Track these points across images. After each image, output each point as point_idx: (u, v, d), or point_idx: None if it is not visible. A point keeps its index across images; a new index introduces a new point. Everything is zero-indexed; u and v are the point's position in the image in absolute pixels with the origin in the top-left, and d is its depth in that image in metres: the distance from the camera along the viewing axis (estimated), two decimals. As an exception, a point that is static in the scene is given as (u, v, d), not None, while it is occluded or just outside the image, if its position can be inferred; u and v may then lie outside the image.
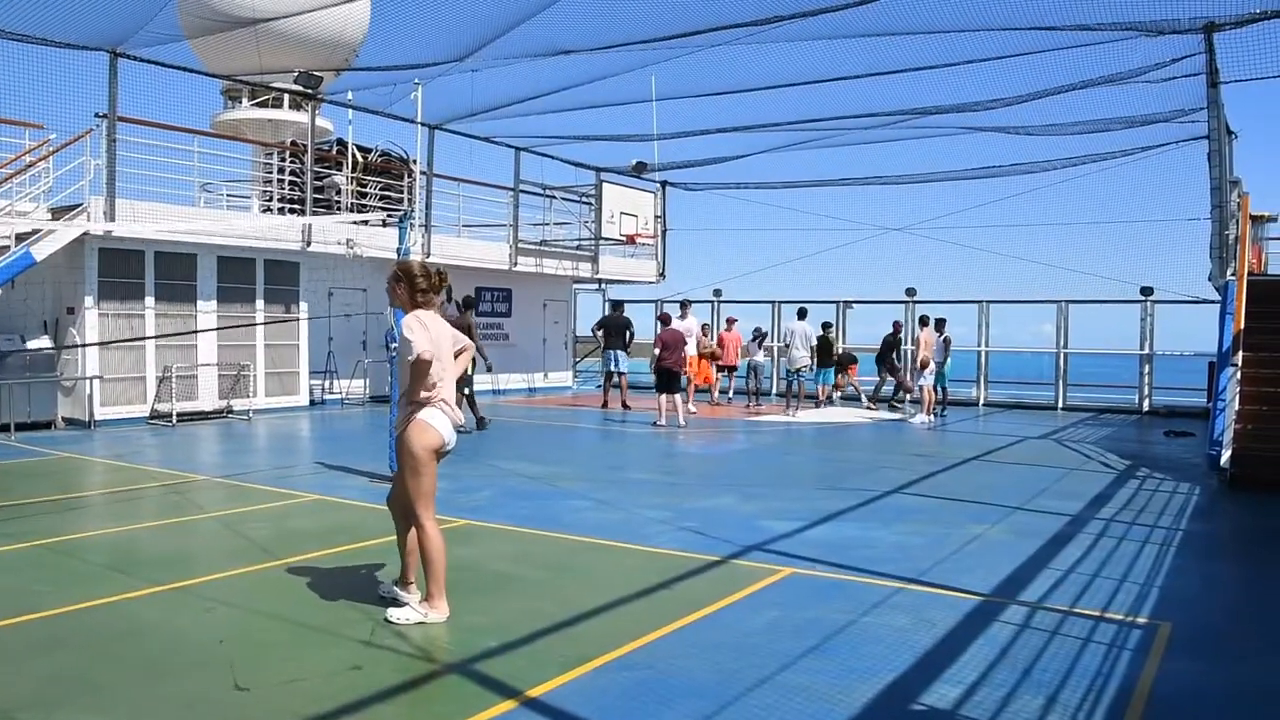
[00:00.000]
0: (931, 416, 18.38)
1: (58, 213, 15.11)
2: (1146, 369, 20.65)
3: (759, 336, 22.31)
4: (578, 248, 24.78)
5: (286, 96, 22.08)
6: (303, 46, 18.46)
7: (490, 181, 23.37)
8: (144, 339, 15.86)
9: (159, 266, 16.10)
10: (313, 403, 18.87)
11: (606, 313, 20.96)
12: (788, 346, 19.84)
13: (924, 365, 18.47)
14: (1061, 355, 21.33)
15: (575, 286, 27.18)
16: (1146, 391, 20.71)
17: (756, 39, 13.99)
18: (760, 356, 22.22)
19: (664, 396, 16.84)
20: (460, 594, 6.15)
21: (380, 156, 20.93)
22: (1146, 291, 20.33)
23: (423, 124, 19.04)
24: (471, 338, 15.82)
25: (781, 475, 11.83)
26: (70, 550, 7.37)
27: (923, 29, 13.77)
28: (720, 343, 22.34)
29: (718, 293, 25.86)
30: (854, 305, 24.04)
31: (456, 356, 5.87)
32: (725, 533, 8.09)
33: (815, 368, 20.17)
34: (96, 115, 15.22)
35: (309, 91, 17.87)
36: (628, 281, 27.18)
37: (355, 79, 18.64)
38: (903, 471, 11.81)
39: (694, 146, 21.87)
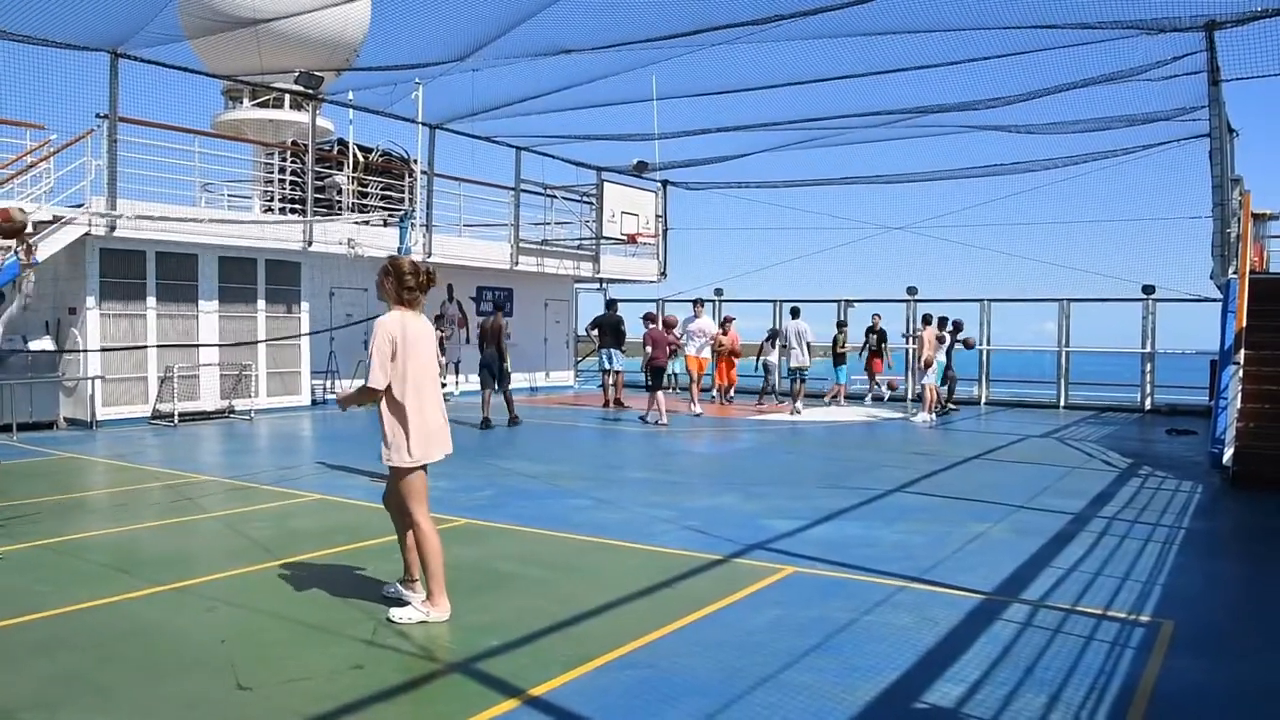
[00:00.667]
0: (933, 415, 18.37)
1: (59, 213, 15.10)
2: (1148, 367, 20.64)
3: (772, 336, 22.30)
4: (579, 247, 24.78)
5: (287, 96, 22.09)
6: (303, 46, 18.46)
7: (491, 181, 23.41)
8: (147, 345, 15.88)
9: (160, 267, 16.11)
10: (314, 402, 18.87)
11: (603, 312, 20.92)
12: (785, 346, 19.89)
13: (928, 364, 18.46)
14: (1063, 353, 21.33)
15: (576, 286, 27.19)
16: (1148, 390, 20.71)
17: (757, 38, 13.97)
18: (773, 356, 22.21)
19: (661, 394, 17.26)
20: (462, 593, 6.15)
21: (381, 156, 20.93)
22: (1148, 290, 20.32)
23: (423, 124, 19.03)
24: (499, 343, 16.61)
25: (783, 474, 11.82)
26: (72, 550, 7.37)
27: (923, 28, 13.76)
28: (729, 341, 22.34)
29: (719, 292, 25.86)
30: (855, 304, 24.02)
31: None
32: (727, 531, 8.08)
33: (794, 366, 19.95)
34: (97, 116, 15.24)
35: (310, 91, 17.87)
36: (629, 281, 27.18)
37: (356, 79, 18.64)
38: (904, 470, 11.81)
39: (695, 146, 21.87)
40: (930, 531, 8.22)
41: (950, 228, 22.84)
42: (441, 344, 20.75)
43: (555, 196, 24.57)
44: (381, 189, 20.56)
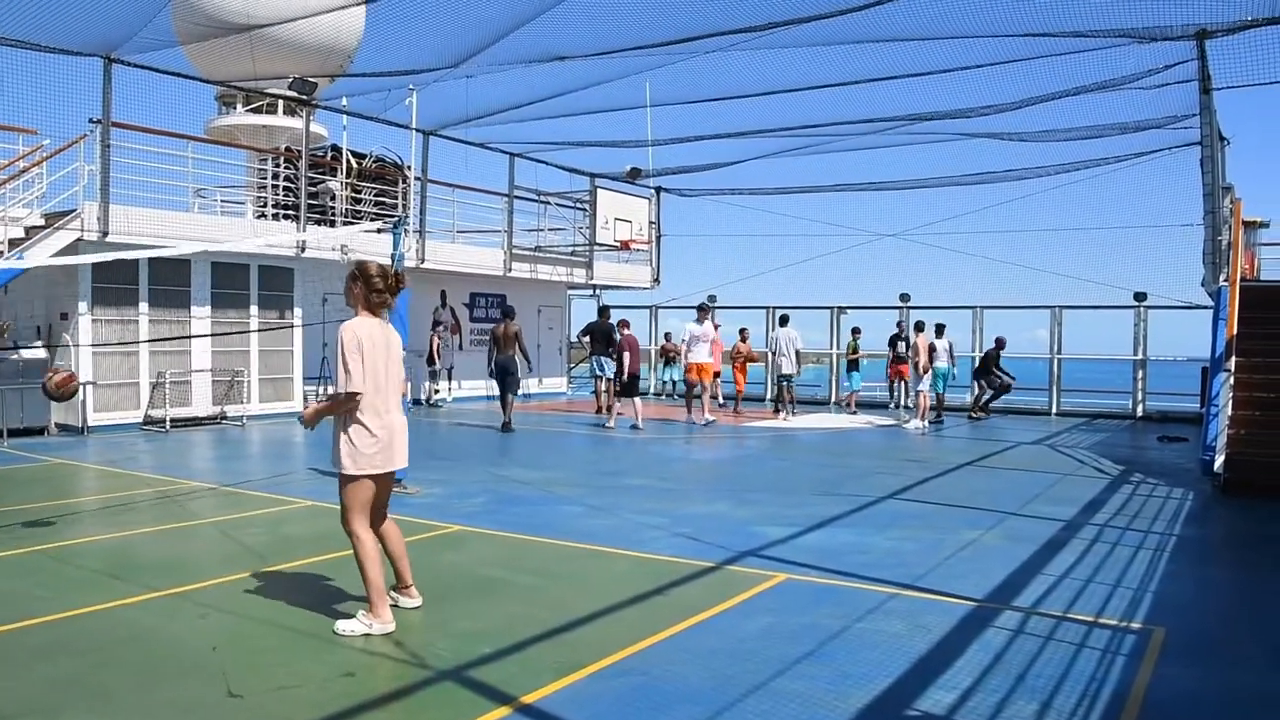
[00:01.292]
0: (925, 422, 18.40)
1: (51, 218, 15.08)
2: (1140, 374, 20.71)
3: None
4: (572, 253, 24.79)
5: (281, 102, 22.06)
6: (297, 52, 18.46)
7: (485, 187, 23.42)
8: (138, 342, 15.84)
9: (153, 272, 16.08)
10: (307, 409, 18.80)
11: (594, 319, 20.91)
12: (773, 354, 19.85)
13: (923, 371, 18.49)
14: (1055, 360, 21.38)
15: (570, 292, 27.21)
16: (1140, 397, 20.77)
17: (751, 45, 14.01)
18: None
19: (638, 400, 17.83)
20: (453, 600, 6.17)
21: (375, 162, 20.94)
22: (1140, 297, 20.40)
23: (417, 130, 19.04)
24: (521, 344, 17.23)
25: (776, 481, 11.83)
26: (65, 556, 7.35)
27: (917, 35, 13.80)
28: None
29: (712, 298, 25.87)
30: (848, 311, 24.08)
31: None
32: (719, 538, 8.09)
33: (783, 374, 19.87)
34: (91, 121, 15.21)
35: (303, 97, 17.87)
36: (622, 287, 27.21)
37: (350, 85, 18.65)
38: (897, 477, 11.82)
39: (688, 152, 21.91)
40: (922, 538, 8.23)
41: (943, 235, 22.92)
42: (435, 350, 20.75)
43: (549, 203, 24.59)
44: (375, 195, 20.56)
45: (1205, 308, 16.31)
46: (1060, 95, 16.10)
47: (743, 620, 5.81)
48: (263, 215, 19.30)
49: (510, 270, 22.98)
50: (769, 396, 22.17)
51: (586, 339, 19.89)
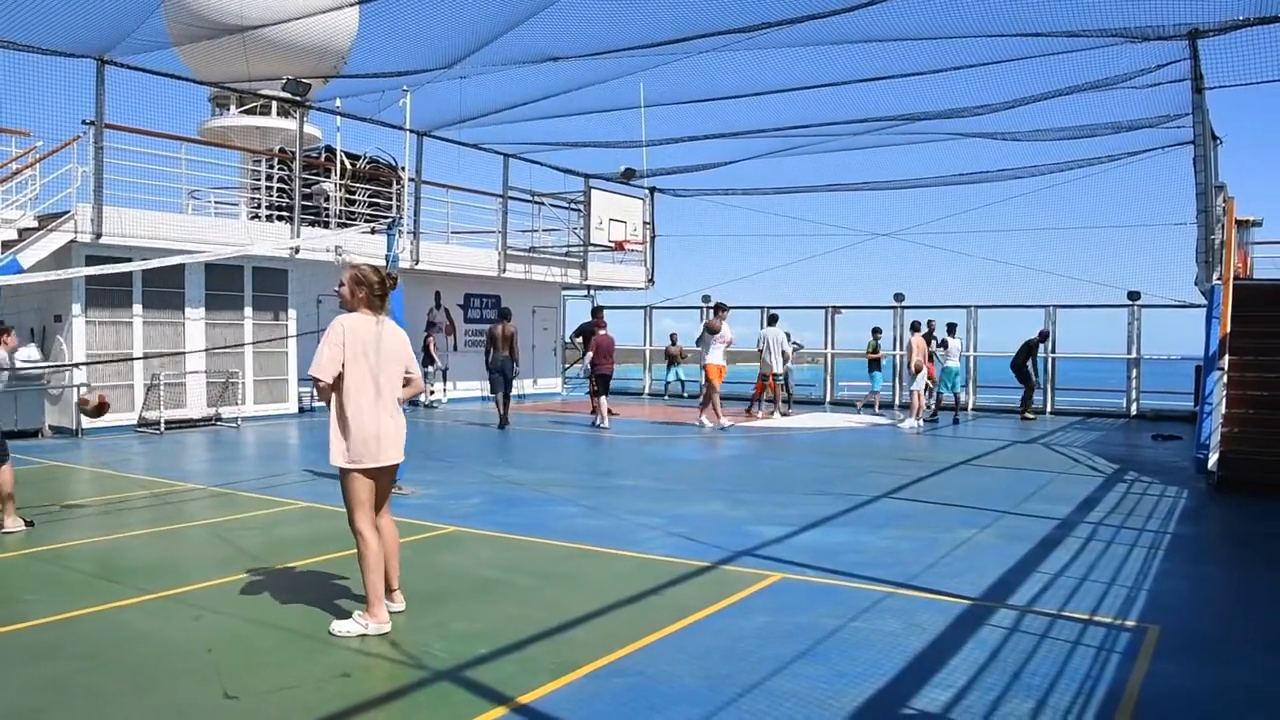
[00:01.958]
0: (920, 421, 18.42)
1: (45, 220, 15.05)
2: (1134, 373, 20.75)
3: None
4: (566, 254, 24.79)
5: (275, 104, 22.05)
6: (291, 54, 18.45)
7: (479, 188, 23.42)
8: (133, 357, 15.82)
9: (146, 274, 16.04)
10: (301, 410, 18.82)
11: (588, 320, 20.93)
12: (761, 353, 19.71)
13: (917, 370, 18.50)
14: (1049, 360, 21.40)
15: (564, 293, 27.21)
16: (1134, 395, 20.81)
17: (745, 45, 14.02)
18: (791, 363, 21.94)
19: (604, 399, 18.05)
20: (449, 601, 6.17)
21: (369, 163, 20.94)
22: (1133, 296, 20.44)
23: (411, 131, 19.03)
24: (513, 346, 17.45)
25: (771, 481, 11.84)
26: (58, 559, 7.34)
27: (910, 35, 13.83)
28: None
29: (706, 298, 25.89)
30: (842, 310, 24.10)
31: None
32: (715, 538, 8.10)
33: (780, 371, 19.71)
34: (84, 122, 15.19)
35: (297, 99, 17.85)
36: (617, 288, 27.21)
37: (344, 86, 18.64)
38: (892, 476, 11.84)
39: (682, 153, 21.95)
40: (918, 537, 8.25)
41: (937, 234, 22.95)
42: (429, 348, 20.72)
43: (543, 204, 24.59)
44: (369, 196, 20.55)
45: (1199, 306, 16.37)
46: (1053, 95, 16.13)
47: (739, 620, 5.81)
48: (256, 216, 19.28)
49: (505, 271, 22.97)
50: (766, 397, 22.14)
51: (580, 340, 19.92)
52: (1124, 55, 14.35)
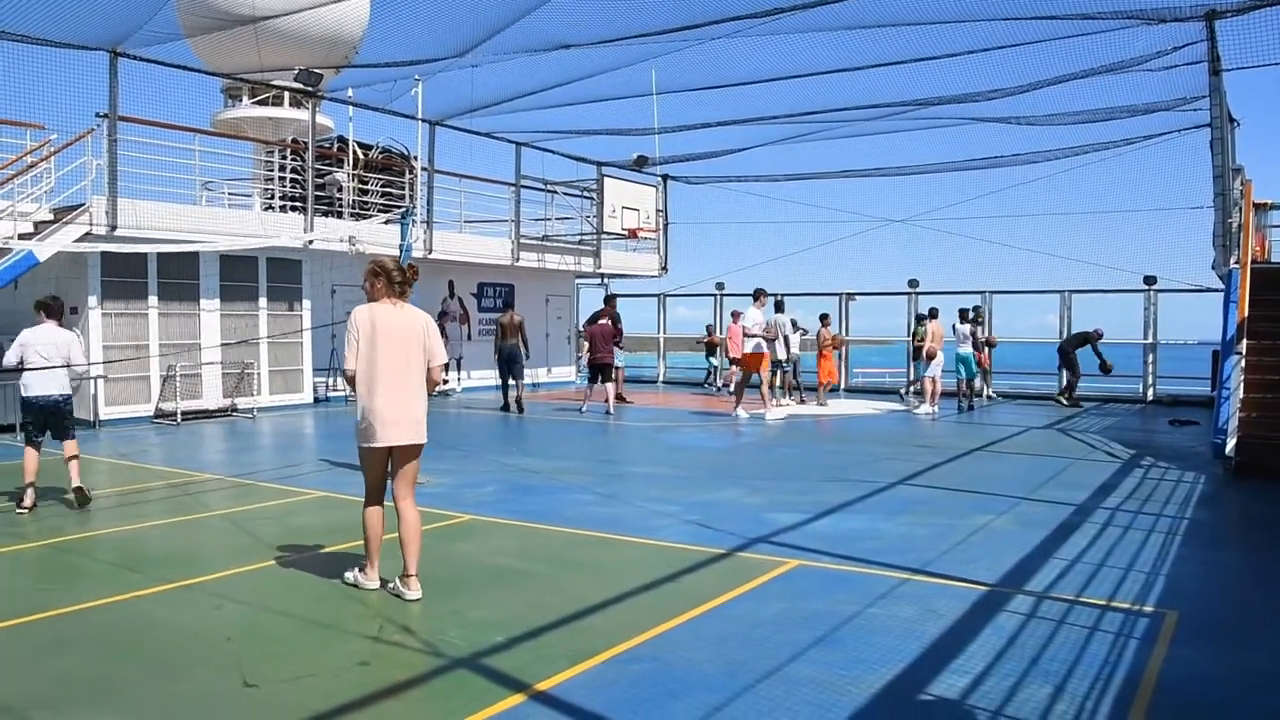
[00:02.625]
0: (935, 407, 18.36)
1: (60, 213, 15.11)
2: (1150, 358, 20.63)
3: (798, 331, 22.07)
4: (580, 242, 24.77)
5: (287, 94, 22.08)
6: (302, 44, 18.43)
7: (492, 177, 23.40)
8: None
9: (162, 266, 16.11)
10: (316, 400, 18.89)
11: (600, 308, 20.89)
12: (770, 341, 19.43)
13: (930, 356, 18.43)
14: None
15: (578, 281, 27.19)
16: (1150, 381, 20.70)
17: (757, 31, 13.96)
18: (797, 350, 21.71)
19: (597, 385, 18.34)
20: (465, 589, 6.19)
21: (381, 153, 20.93)
22: (1150, 280, 20.31)
23: (423, 120, 19.03)
24: (523, 334, 18.19)
25: (786, 468, 11.83)
26: (78, 549, 7.39)
27: (924, 19, 13.74)
28: (729, 336, 22.24)
29: (720, 286, 25.85)
30: (856, 297, 24.02)
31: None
32: (730, 525, 8.10)
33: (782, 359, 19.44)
34: (97, 115, 15.23)
35: (309, 89, 17.87)
36: (630, 276, 27.18)
37: (355, 76, 18.63)
38: (907, 463, 11.81)
39: (695, 140, 21.86)
40: (934, 524, 8.23)
41: (951, 220, 22.83)
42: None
43: (556, 192, 24.56)
44: (382, 186, 20.56)
45: (1216, 291, 16.26)
46: (1068, 78, 16.02)
47: (755, 606, 5.81)
48: (270, 207, 19.32)
49: (518, 260, 22.97)
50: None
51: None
52: (1140, 37, 14.23)
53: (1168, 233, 23.71)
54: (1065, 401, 20.14)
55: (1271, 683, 4.75)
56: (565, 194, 24.68)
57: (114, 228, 15.03)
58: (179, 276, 16.40)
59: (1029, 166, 21.33)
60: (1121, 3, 12.92)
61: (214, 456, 12.77)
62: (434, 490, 9.71)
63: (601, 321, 18.85)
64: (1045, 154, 20.71)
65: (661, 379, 27.04)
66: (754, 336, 17.34)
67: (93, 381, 15.17)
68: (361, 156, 20.18)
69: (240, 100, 23.50)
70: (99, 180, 15.19)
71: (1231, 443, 10.95)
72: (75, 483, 8.96)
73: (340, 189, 19.68)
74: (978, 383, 19.67)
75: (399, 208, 17.45)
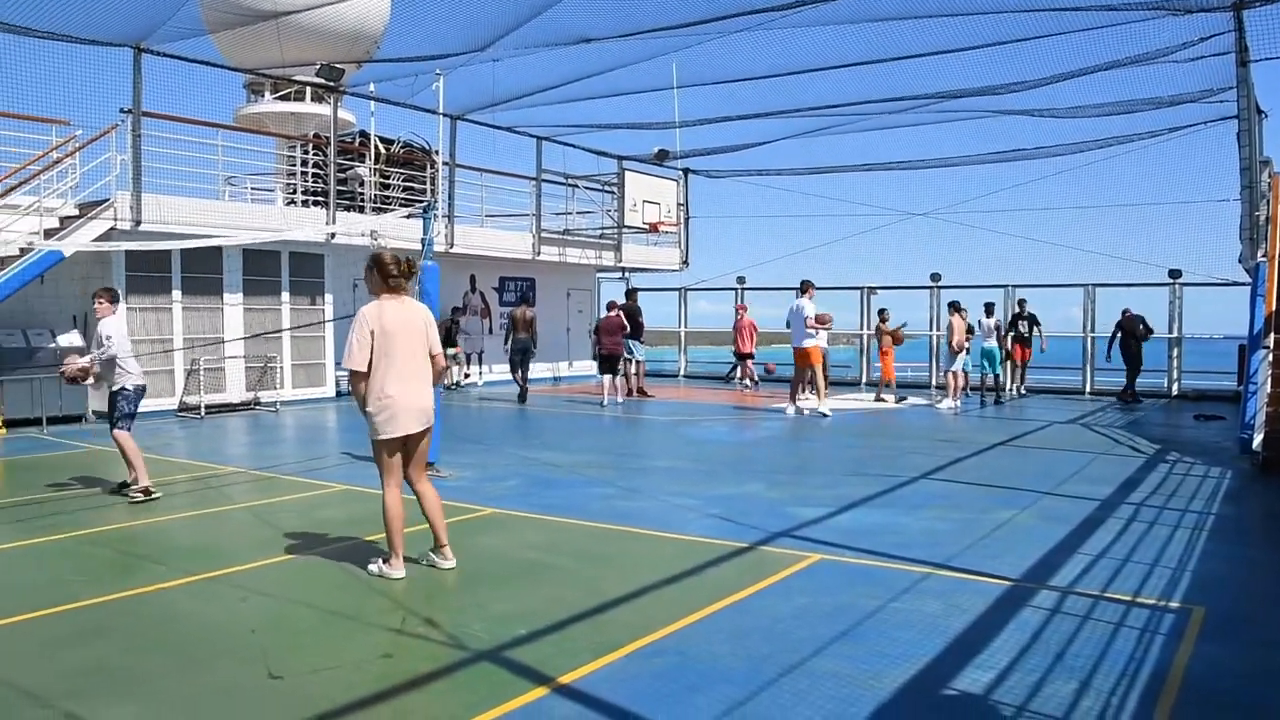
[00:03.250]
0: (958, 402, 18.27)
1: (85, 208, 15.24)
2: (1175, 352, 20.45)
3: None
4: (600, 236, 24.77)
5: (309, 89, 22.16)
6: (324, 39, 18.51)
7: (513, 171, 23.43)
8: (172, 350, 15.98)
9: (185, 261, 16.22)
10: (339, 394, 18.96)
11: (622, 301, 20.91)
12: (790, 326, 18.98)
13: (956, 351, 18.28)
14: (1088, 339, 21.14)
15: (599, 275, 27.20)
16: (1175, 375, 20.52)
17: (778, 24, 13.91)
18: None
19: (607, 378, 18.70)
20: (488, 582, 6.20)
21: (402, 148, 21.00)
22: (1175, 274, 20.12)
23: (444, 114, 19.07)
24: (533, 329, 18.87)
25: (807, 462, 11.80)
26: (103, 542, 7.45)
27: (947, 12, 13.66)
28: (737, 329, 22.22)
29: (741, 279, 25.79)
30: (877, 291, 23.91)
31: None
32: (753, 519, 8.08)
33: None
34: (121, 111, 15.34)
35: (331, 84, 17.93)
36: (651, 269, 27.17)
37: (377, 70, 18.69)
38: (929, 457, 11.76)
39: (716, 133, 21.82)
40: (956, 518, 8.19)
41: (973, 213, 22.69)
42: (451, 331, 20.75)
43: (577, 186, 24.58)
44: (403, 180, 20.62)
45: (1243, 284, 16.09)
46: (1092, 70, 15.89)
47: (778, 600, 5.80)
48: (292, 202, 19.40)
49: (539, 254, 23.00)
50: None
51: None
52: (1166, 28, 14.08)
53: (1193, 226, 23.53)
54: (1128, 400, 19.63)
55: (1300, 679, 4.70)
56: (586, 188, 24.69)
57: (138, 223, 15.14)
58: (202, 271, 16.50)
59: (1052, 159, 21.19)
60: (1149, -6, 12.81)
61: (237, 450, 12.85)
62: (455, 484, 9.74)
63: (611, 314, 19.00)
64: (1068, 146, 20.56)
65: (683, 373, 27.01)
66: (816, 328, 16.71)
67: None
68: (383, 151, 20.25)
69: (262, 95, 23.62)
70: (123, 175, 15.31)
71: (1258, 438, 10.85)
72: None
73: (362, 183, 19.75)
74: (1003, 377, 19.41)
75: (420, 202, 17.51)
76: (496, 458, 11.60)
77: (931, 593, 5.97)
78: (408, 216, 17.45)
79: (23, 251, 14.30)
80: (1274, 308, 11.92)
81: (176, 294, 16.25)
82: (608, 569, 6.63)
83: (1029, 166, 21.80)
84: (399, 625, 5.35)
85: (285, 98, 23.29)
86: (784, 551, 6.99)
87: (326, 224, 17.77)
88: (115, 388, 9.16)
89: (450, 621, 5.41)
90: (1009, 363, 20.51)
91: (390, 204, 19.92)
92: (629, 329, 19.30)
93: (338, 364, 18.92)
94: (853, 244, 24.84)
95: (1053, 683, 4.53)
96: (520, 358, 19.08)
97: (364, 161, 19.89)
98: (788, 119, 20.19)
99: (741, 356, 22.53)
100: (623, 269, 26.32)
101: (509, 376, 22.23)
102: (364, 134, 20.50)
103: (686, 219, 26.68)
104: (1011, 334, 20.30)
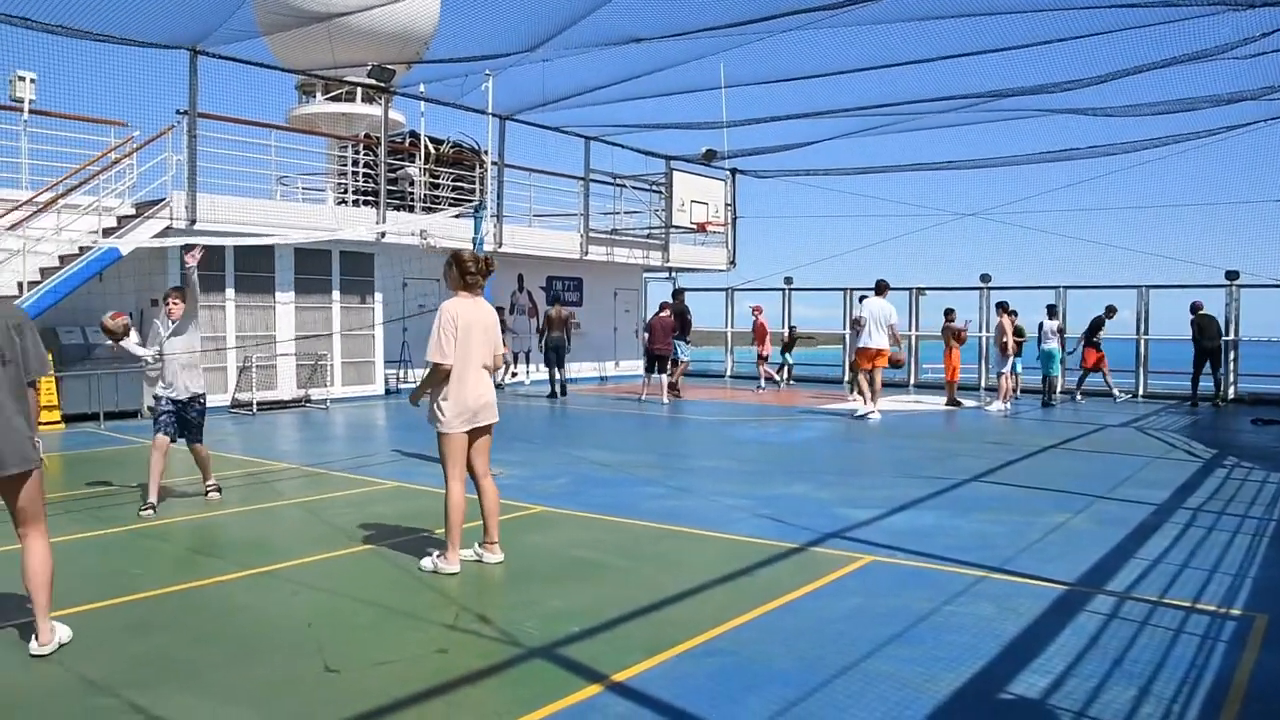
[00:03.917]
0: (1008, 404, 18.05)
1: (142, 207, 15.51)
2: (1232, 355, 20.06)
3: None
4: (648, 236, 24.78)
5: (360, 90, 22.38)
6: (375, 40, 18.70)
7: (561, 171, 23.52)
8: (222, 348, 16.20)
9: (238, 259, 16.46)
10: (388, 392, 19.15)
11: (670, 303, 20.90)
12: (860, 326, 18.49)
13: (1005, 351, 18.06)
14: (1142, 341, 20.81)
15: (646, 275, 27.22)
16: (1232, 379, 20.14)
17: (827, 24, 13.84)
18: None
19: (650, 376, 19.17)
20: (540, 580, 6.23)
21: (452, 148, 21.14)
22: (1232, 275, 19.74)
23: (494, 115, 19.17)
24: (567, 327, 19.52)
25: (856, 463, 11.73)
26: (161, 535, 7.58)
27: (999, 9, 13.50)
28: (757, 331, 22.18)
29: (789, 280, 25.68)
30: (926, 292, 23.70)
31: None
32: (803, 520, 8.05)
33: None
34: (177, 112, 15.61)
35: (382, 85, 18.10)
36: (698, 270, 27.15)
37: (427, 71, 18.85)
38: (980, 459, 11.64)
39: (764, 133, 21.76)
40: (1009, 521, 8.10)
41: (1025, 214, 22.44)
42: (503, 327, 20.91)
43: (624, 186, 24.61)
44: (453, 180, 20.76)
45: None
46: (1148, 68, 15.60)
47: (830, 601, 5.77)
48: (343, 201, 19.62)
49: (586, 254, 23.06)
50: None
51: None
52: (1225, 23, 13.80)
53: (1251, 226, 23.04)
54: (1222, 404, 19.20)
55: (1368, 689, 4.59)
56: (634, 188, 24.72)
57: (193, 222, 15.38)
58: (255, 270, 16.74)
59: (1106, 159, 20.87)
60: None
61: (289, 446, 13.01)
62: (505, 481, 9.77)
63: (662, 314, 19.06)
64: (1123, 145, 20.24)
65: (729, 373, 26.95)
66: (890, 330, 16.34)
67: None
68: (433, 151, 20.40)
69: (314, 96, 23.88)
70: (179, 176, 15.56)
71: (1320, 442, 10.62)
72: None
73: (412, 183, 19.92)
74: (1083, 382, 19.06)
75: (469, 202, 17.62)
76: (545, 455, 11.65)
77: (985, 596, 5.91)
78: (457, 216, 17.58)
79: (82, 250, 14.59)
80: (1337, 310, 11.67)
81: (230, 292, 16.50)
82: (659, 568, 6.64)
83: (1082, 166, 21.52)
84: (452, 621, 5.39)
85: (336, 99, 23.53)
86: (835, 553, 6.96)
87: (377, 223, 17.94)
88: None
89: (503, 618, 5.44)
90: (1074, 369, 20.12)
91: (440, 204, 20.07)
92: (679, 329, 19.34)
93: (387, 362, 19.19)
94: (901, 244, 24.63)
95: (1111, 688, 4.46)
96: (555, 355, 19.60)
97: (414, 161, 20.06)
98: (835, 119, 20.08)
99: (761, 357, 22.56)
100: (670, 269, 26.31)
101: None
102: (414, 134, 20.67)
103: (734, 219, 26.62)
104: (1086, 340, 19.95)
